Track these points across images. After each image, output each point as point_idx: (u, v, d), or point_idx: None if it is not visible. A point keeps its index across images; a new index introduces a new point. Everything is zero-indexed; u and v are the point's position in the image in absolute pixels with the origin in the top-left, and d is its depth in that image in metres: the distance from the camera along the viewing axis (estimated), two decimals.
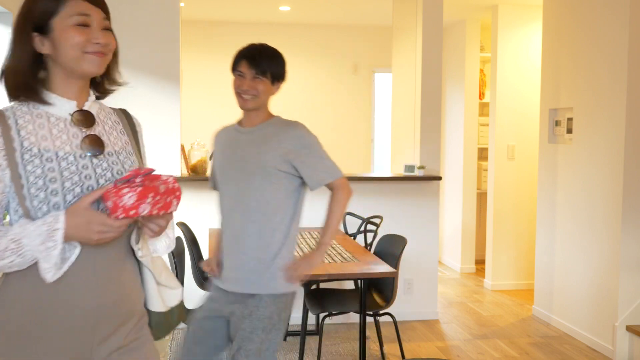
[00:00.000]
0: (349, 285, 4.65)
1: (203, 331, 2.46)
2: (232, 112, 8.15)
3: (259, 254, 2.37)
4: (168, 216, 1.47)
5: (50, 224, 1.33)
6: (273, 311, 2.36)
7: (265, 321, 2.34)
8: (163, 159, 4.50)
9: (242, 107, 2.42)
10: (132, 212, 1.33)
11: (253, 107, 2.40)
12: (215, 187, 2.57)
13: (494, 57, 5.85)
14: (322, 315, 3.84)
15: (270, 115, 2.48)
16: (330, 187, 2.45)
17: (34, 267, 1.36)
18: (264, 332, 2.33)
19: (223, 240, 2.46)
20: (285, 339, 4.36)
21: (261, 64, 2.37)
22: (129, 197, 1.32)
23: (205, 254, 3.98)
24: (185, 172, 4.67)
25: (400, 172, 5.08)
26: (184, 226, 3.94)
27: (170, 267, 2.50)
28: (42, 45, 1.41)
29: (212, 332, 2.46)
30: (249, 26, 7.10)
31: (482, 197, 6.80)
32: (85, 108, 1.48)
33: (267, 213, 2.36)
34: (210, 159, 2.60)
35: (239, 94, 2.39)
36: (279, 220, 2.38)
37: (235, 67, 2.42)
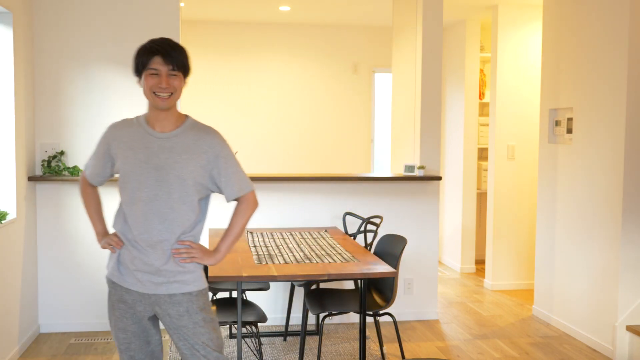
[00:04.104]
0: (349, 285, 4.65)
1: None
2: (232, 112, 8.08)
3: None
4: None
5: None
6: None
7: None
8: None
9: (158, 107, 2.23)
10: None
11: (169, 105, 2.24)
12: (95, 182, 2.43)
13: (494, 57, 5.85)
14: (322, 315, 3.85)
15: (181, 116, 2.32)
16: (240, 199, 2.38)
17: None
18: None
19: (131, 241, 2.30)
20: (285, 339, 4.37)
21: (177, 58, 2.20)
22: None
23: None
24: None
25: (400, 172, 5.08)
26: None
27: None
28: None
29: None
30: (249, 26, 7.10)
31: (482, 197, 6.80)
32: None
33: (183, 223, 2.27)
34: (97, 152, 2.37)
35: (154, 93, 2.20)
36: (190, 227, 2.31)
37: (145, 65, 2.21)
